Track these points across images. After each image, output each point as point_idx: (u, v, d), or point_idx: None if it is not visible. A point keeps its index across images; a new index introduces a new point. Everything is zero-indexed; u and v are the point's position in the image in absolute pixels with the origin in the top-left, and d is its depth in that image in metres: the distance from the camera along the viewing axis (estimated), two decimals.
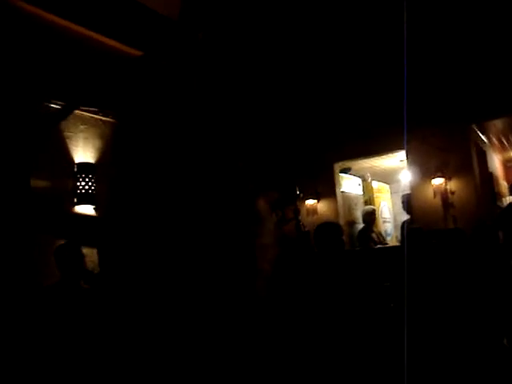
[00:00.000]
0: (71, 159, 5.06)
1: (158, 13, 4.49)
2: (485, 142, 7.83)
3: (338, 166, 8.09)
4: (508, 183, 8.86)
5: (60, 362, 2.03)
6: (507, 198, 8.33)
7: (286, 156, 7.46)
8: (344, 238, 4.17)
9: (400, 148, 7.06)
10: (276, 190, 6.68)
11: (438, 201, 6.93)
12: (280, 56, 6.42)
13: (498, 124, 7.54)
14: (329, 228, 3.94)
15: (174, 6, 4.69)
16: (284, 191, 6.53)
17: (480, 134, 7.47)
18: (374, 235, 7.06)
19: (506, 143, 8.57)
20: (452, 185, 6.87)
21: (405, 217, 7.13)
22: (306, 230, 5.72)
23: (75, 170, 5.02)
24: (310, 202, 7.83)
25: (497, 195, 7.74)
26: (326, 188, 7.83)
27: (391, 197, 9.86)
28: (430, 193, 7.02)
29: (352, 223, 8.13)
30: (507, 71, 6.18)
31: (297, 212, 5.97)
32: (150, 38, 4.69)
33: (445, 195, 6.86)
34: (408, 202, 6.98)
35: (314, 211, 7.79)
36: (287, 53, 6.39)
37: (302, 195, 6.97)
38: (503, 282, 3.51)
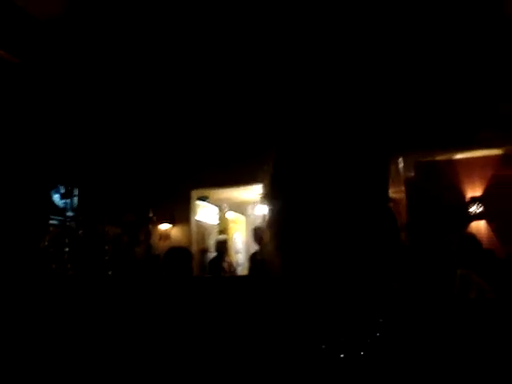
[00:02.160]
0: None
1: None
2: None
3: (195, 194, 8.10)
4: None
5: None
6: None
7: (143, 178, 7.31)
8: (193, 264, 4.14)
9: (256, 181, 7.26)
10: (130, 211, 6.49)
11: None
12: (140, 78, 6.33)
13: None
14: (178, 253, 3.90)
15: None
16: (137, 213, 6.35)
17: None
18: (225, 264, 7.11)
19: None
20: None
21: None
22: (157, 253, 5.62)
23: None
24: (164, 227, 7.71)
25: None
26: (182, 214, 7.77)
27: (246, 228, 10.09)
28: None
29: (205, 251, 8.15)
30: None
31: (148, 235, 5.83)
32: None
33: None
34: (258, 235, 7.16)
35: (167, 236, 7.67)
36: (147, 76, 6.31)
37: (155, 218, 6.83)
38: None
